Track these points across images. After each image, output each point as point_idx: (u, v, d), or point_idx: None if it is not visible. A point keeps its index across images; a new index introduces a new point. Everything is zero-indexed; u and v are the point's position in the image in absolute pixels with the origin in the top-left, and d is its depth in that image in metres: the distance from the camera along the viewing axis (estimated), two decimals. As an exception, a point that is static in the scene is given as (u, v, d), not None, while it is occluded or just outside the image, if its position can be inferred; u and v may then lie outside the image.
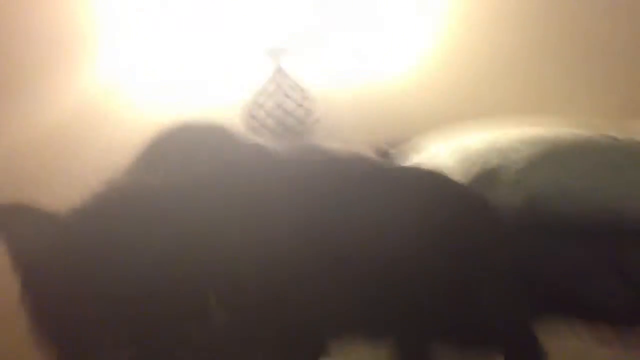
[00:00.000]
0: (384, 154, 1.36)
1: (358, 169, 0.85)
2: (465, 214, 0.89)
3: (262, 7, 1.48)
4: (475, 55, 1.74)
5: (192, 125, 0.72)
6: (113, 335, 0.50)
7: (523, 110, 1.40)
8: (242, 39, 1.49)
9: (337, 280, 0.73)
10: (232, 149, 0.69)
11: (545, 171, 1.05)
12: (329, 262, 0.72)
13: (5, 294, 0.57)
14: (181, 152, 0.63)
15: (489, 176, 1.06)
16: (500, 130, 1.18)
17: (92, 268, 0.50)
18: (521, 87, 1.72)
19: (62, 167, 1.52)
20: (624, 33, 1.68)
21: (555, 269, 0.96)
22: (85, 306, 0.50)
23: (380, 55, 1.76)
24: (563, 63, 1.70)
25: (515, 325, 0.89)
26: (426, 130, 1.33)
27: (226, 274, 0.53)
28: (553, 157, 1.07)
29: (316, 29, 1.55)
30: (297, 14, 1.50)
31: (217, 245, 0.53)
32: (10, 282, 0.56)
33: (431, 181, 0.91)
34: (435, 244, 0.81)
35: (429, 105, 1.77)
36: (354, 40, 1.74)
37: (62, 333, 0.52)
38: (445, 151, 1.18)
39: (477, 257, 0.87)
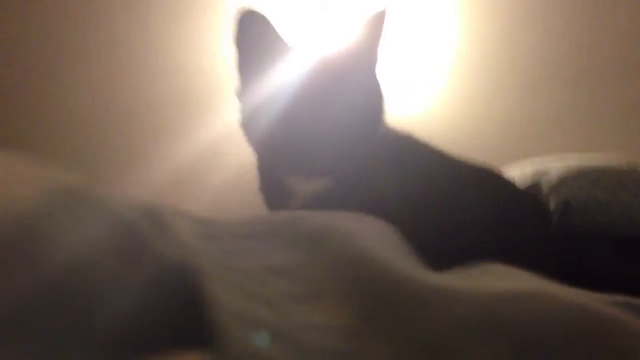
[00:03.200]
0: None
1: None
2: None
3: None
4: (488, 94, 1.95)
5: None
6: None
7: (541, 150, 1.62)
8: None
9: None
10: None
11: (572, 185, 1.26)
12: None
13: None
14: None
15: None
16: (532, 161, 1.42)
17: None
18: (536, 125, 1.91)
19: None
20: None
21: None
22: None
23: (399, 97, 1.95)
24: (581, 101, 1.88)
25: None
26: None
27: None
28: (581, 175, 1.28)
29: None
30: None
31: None
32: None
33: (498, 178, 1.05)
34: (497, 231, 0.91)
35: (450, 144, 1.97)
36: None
37: None
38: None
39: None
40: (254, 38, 0.75)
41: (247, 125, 0.77)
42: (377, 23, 0.77)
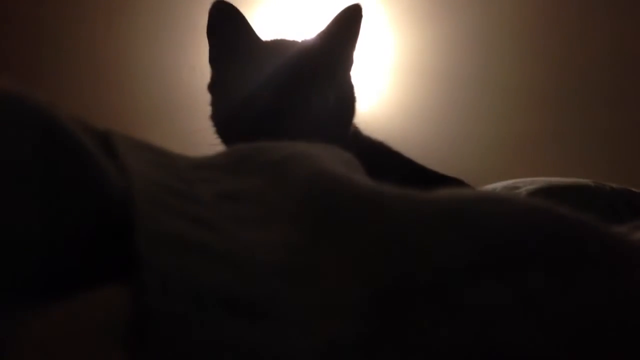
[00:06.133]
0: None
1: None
2: None
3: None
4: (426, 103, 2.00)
5: None
6: None
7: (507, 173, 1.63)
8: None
9: None
10: None
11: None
12: None
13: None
14: None
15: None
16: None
17: None
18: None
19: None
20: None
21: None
22: None
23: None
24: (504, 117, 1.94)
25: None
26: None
27: None
28: (550, 192, 1.30)
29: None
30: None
31: None
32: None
33: None
34: None
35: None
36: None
37: None
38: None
39: None
40: (226, 30, 0.74)
41: (217, 118, 0.76)
42: (352, 19, 0.75)
